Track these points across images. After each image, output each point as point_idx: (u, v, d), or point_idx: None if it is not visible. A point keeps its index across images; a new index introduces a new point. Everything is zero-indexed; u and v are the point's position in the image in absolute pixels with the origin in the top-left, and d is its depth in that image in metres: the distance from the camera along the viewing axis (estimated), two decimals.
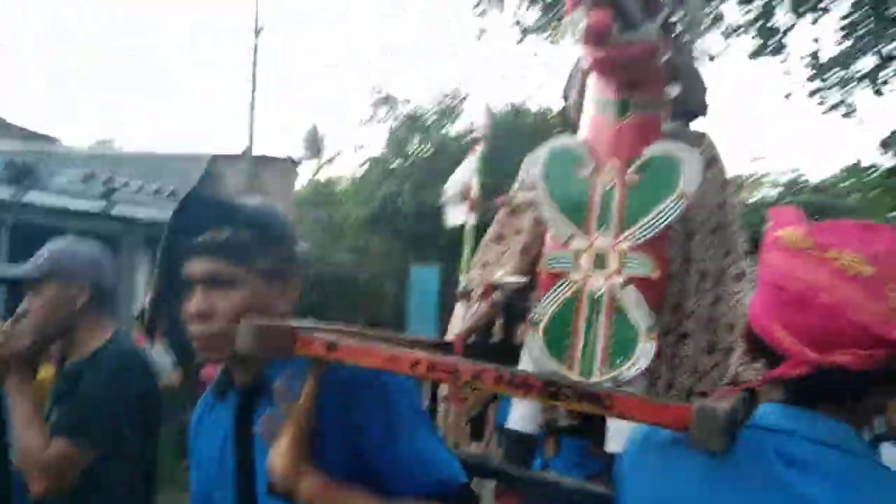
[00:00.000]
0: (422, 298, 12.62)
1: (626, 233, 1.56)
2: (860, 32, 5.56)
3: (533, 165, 1.73)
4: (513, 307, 1.87)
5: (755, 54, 5.79)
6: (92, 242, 2.12)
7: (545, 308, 1.61)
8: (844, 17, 5.49)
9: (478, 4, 8.31)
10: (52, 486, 1.81)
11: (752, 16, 5.70)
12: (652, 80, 1.66)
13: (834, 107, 6.11)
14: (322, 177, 23.91)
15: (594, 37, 1.48)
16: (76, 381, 1.92)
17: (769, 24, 5.55)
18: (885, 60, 5.61)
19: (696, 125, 1.98)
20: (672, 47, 1.74)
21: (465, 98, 16.66)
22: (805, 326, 0.91)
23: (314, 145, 31.27)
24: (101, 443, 1.83)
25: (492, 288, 1.79)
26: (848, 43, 5.67)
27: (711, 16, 5.70)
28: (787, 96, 6.40)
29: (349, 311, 13.02)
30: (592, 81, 1.73)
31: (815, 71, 5.87)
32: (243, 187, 11.99)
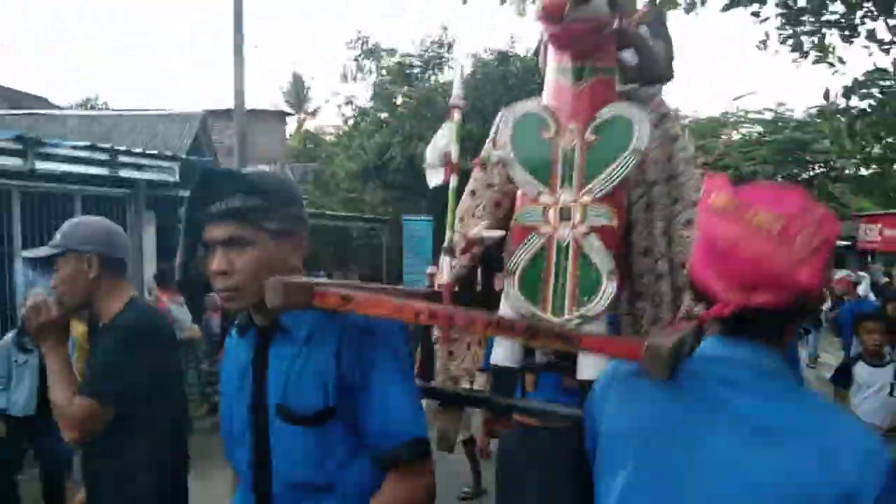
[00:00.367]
0: (415, 247, 12.85)
1: (587, 188, 1.73)
2: None
3: (503, 128, 1.89)
4: (491, 258, 2.06)
5: (726, 7, 5.87)
6: (99, 218, 2.31)
7: (519, 258, 1.79)
8: None
9: None
10: (80, 437, 2.03)
11: None
12: (605, 48, 1.82)
13: (805, 53, 6.21)
14: (307, 129, 23.76)
15: (550, 15, 1.63)
16: (98, 345, 2.15)
17: None
18: (853, 7, 5.71)
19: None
20: (621, 13, 1.89)
21: (451, 45, 16.50)
22: (731, 274, 1.08)
23: (298, 97, 30.88)
24: (119, 400, 2.02)
25: (472, 242, 1.97)
26: None
27: None
28: (764, 42, 6.43)
29: (346, 261, 13.22)
30: (551, 50, 1.87)
31: (786, 20, 5.96)
32: (236, 143, 12.05)
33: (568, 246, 1.74)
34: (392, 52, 16.24)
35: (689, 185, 1.91)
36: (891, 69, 5.95)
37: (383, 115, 14.62)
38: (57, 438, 2.26)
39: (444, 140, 2.03)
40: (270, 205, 1.38)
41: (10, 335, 4.53)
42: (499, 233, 1.96)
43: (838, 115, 6.67)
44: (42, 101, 17.50)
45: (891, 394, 4.15)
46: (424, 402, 1.76)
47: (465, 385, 2.04)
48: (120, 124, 12.81)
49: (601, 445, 1.22)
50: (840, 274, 8.26)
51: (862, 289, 9.01)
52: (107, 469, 2.09)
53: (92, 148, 6.90)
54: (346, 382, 1.37)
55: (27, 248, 5.67)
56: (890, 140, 6.35)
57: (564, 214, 1.75)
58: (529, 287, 1.78)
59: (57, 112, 15.17)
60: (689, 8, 6.22)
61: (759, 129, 15.14)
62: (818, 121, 9.56)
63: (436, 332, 2.07)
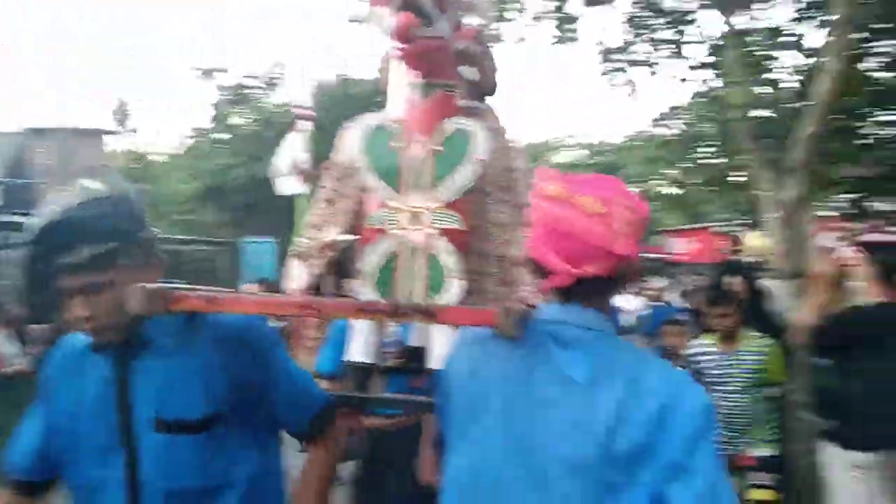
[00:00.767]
0: (255, 271, 12.41)
1: (436, 194, 1.83)
2: (637, 23, 6.34)
3: (353, 139, 1.95)
4: (343, 263, 2.10)
5: (557, 41, 6.39)
6: None
7: (370, 258, 1.85)
8: (625, 12, 6.24)
9: None
10: None
11: (552, 5, 6.25)
12: (448, 66, 1.95)
13: (620, 85, 6.90)
14: (134, 148, 22.36)
15: (399, 36, 1.74)
16: None
17: (566, 13, 6.16)
18: (657, 46, 6.45)
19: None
20: (465, 37, 2.03)
21: (285, 68, 16.37)
22: (565, 250, 1.22)
23: (122, 116, 29.01)
24: None
25: (326, 246, 2.00)
26: (630, 33, 6.44)
27: (518, 4, 6.19)
28: (584, 77, 7.03)
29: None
30: (400, 66, 1.97)
31: (602, 55, 6.60)
32: (56, 161, 11.07)
33: (418, 247, 1.83)
34: (223, 70, 15.79)
35: (524, 193, 2.07)
36: (686, 104, 6.80)
37: (223, 137, 14.15)
38: None
39: (292, 149, 2.05)
40: (120, 245, 1.34)
41: None
42: (351, 237, 2.01)
43: (647, 142, 7.47)
44: None
45: None
46: None
47: None
48: None
49: (457, 401, 1.32)
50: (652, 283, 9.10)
51: (668, 296, 9.90)
52: None
53: None
54: (243, 384, 1.39)
55: None
56: (687, 165, 7.23)
57: (414, 219, 1.84)
58: (381, 285, 1.84)
59: None
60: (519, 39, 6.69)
61: (585, 151, 16.44)
62: (632, 146, 10.69)
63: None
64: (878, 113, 5.59)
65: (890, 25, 5.12)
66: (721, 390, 3.50)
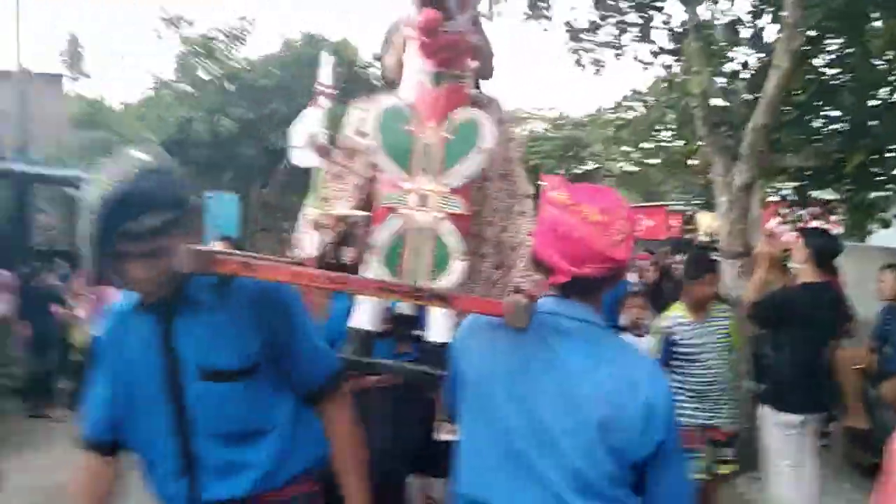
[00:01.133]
0: (220, 224, 12.28)
1: (444, 179, 1.98)
2: (605, 5, 6.50)
3: (368, 119, 2.07)
4: (351, 235, 2.24)
5: (527, 18, 6.50)
6: None
7: (380, 236, 1.99)
8: None
9: None
10: None
11: None
12: (462, 58, 2.08)
13: (587, 64, 7.07)
14: (89, 94, 21.44)
15: (427, 31, 1.85)
16: None
17: None
18: (623, 30, 6.63)
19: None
20: (476, 32, 2.16)
21: (253, 21, 15.92)
22: (567, 252, 1.39)
23: (75, 60, 27.67)
24: None
25: (340, 220, 2.13)
26: (596, 14, 6.60)
27: None
28: (551, 57, 7.13)
29: None
30: (413, 54, 2.09)
31: (570, 34, 6.75)
32: (12, 107, 10.63)
33: (425, 227, 1.98)
34: (191, 23, 15.29)
35: (520, 180, 2.24)
36: (647, 88, 7.05)
37: (186, 89, 13.75)
38: None
39: (310, 124, 2.16)
40: (177, 215, 1.44)
41: None
42: (363, 213, 2.14)
43: (609, 122, 7.71)
44: None
45: None
46: None
47: None
48: None
49: (468, 382, 1.49)
50: None
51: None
52: None
53: None
54: (272, 341, 1.53)
55: None
56: (646, 146, 7.51)
57: (423, 200, 1.99)
58: (389, 260, 1.99)
59: None
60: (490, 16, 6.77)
61: (545, 126, 16.57)
62: (589, 127, 10.94)
63: None
64: (824, 108, 5.90)
65: (837, 24, 5.39)
66: (698, 360, 3.48)
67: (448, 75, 2.04)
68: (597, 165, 14.20)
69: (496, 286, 2.21)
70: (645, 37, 6.67)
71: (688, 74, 5.77)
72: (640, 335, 4.58)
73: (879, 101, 5.66)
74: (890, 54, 5.41)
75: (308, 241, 2.16)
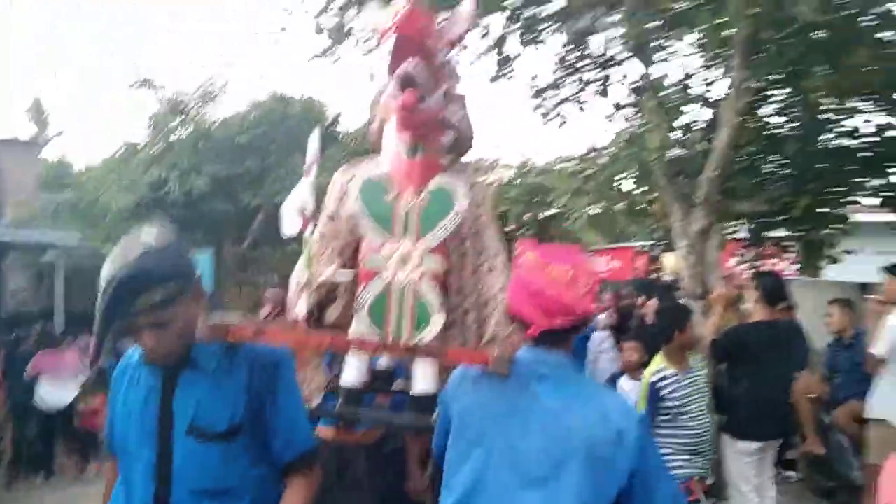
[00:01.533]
0: None
1: (422, 241, 2.18)
2: (567, 64, 6.89)
3: (350, 188, 2.28)
4: (336, 294, 2.41)
5: (494, 79, 6.85)
6: None
7: (367, 295, 2.17)
8: (557, 53, 6.78)
9: None
10: None
11: (489, 43, 6.70)
12: (435, 132, 2.30)
13: (551, 119, 7.43)
14: (52, 157, 21.32)
15: (406, 107, 2.07)
16: None
17: (503, 54, 6.63)
18: (585, 85, 7.02)
19: None
20: (449, 103, 2.38)
21: (224, 84, 16.23)
22: (539, 307, 1.58)
23: (39, 120, 27.66)
24: None
25: (325, 282, 2.30)
26: (559, 72, 6.98)
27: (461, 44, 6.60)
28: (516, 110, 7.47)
29: None
30: (392, 127, 2.31)
31: (535, 92, 7.12)
32: None
33: (407, 286, 2.17)
34: (162, 87, 15.56)
35: (490, 239, 2.44)
36: (609, 141, 7.44)
37: (156, 149, 13.89)
38: None
39: (301, 194, 2.35)
40: (181, 286, 1.58)
41: None
42: (349, 273, 2.31)
43: (574, 174, 8.06)
44: None
45: None
46: None
47: (317, 402, 2.34)
48: None
49: (455, 423, 1.65)
50: None
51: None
52: None
53: None
54: (255, 405, 1.64)
55: None
56: (610, 192, 7.84)
57: (403, 261, 2.18)
58: (375, 318, 2.17)
59: None
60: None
61: (511, 173, 16.98)
62: (557, 169, 11.33)
63: None
64: (771, 157, 6.29)
65: (783, 76, 5.79)
66: (688, 413, 3.40)
67: (423, 147, 2.26)
68: (562, 210, 14.52)
69: (473, 336, 2.39)
70: (604, 93, 7.07)
71: (645, 130, 6.13)
72: (636, 378, 4.37)
73: (822, 147, 6.05)
74: (829, 103, 5.82)
75: (301, 302, 2.31)
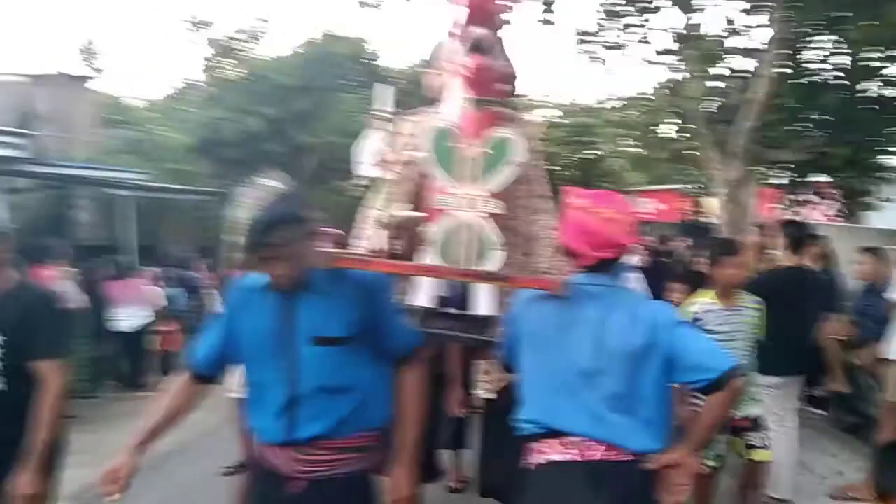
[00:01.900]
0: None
1: (485, 186, 2.49)
2: (610, 10, 6.97)
3: (421, 136, 2.58)
4: (405, 231, 2.74)
5: (542, 23, 6.99)
6: None
7: (437, 231, 2.50)
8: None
9: None
10: None
11: None
12: (497, 88, 2.58)
13: (595, 60, 7.56)
14: (111, 93, 21.84)
15: (476, 75, 2.34)
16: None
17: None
18: (627, 30, 7.10)
19: None
20: (508, 65, 2.65)
21: (267, 21, 16.44)
22: (589, 242, 1.93)
23: (90, 55, 28.12)
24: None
25: (403, 220, 2.63)
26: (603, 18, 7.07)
27: None
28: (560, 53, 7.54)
29: (182, 233, 12.79)
30: (458, 83, 2.59)
31: (578, 39, 7.23)
32: (55, 109, 11.13)
33: (472, 225, 2.49)
34: (209, 24, 15.82)
35: (541, 186, 2.74)
36: (652, 91, 7.56)
37: (213, 90, 14.24)
38: None
39: (375, 142, 2.67)
40: (303, 226, 1.89)
41: None
42: (421, 214, 2.64)
43: (616, 119, 8.21)
44: None
45: None
46: None
47: None
48: None
49: (525, 336, 2.01)
50: None
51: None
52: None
53: None
54: (366, 318, 1.97)
55: None
56: (650, 138, 7.99)
57: (469, 203, 2.50)
58: (444, 252, 2.50)
59: None
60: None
61: (558, 112, 16.99)
62: (601, 109, 11.41)
63: None
64: (810, 106, 6.34)
65: (824, 23, 5.77)
66: (727, 348, 3.13)
67: (486, 101, 2.55)
68: (605, 152, 14.51)
69: (525, 270, 2.71)
70: (646, 38, 7.13)
71: (685, 80, 6.22)
72: None
73: (864, 96, 6.08)
74: (873, 51, 5.82)
75: (375, 237, 2.65)
